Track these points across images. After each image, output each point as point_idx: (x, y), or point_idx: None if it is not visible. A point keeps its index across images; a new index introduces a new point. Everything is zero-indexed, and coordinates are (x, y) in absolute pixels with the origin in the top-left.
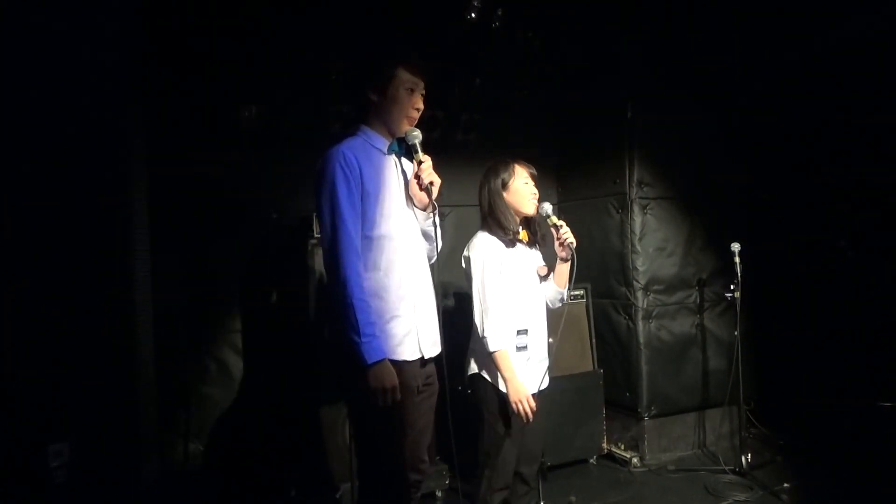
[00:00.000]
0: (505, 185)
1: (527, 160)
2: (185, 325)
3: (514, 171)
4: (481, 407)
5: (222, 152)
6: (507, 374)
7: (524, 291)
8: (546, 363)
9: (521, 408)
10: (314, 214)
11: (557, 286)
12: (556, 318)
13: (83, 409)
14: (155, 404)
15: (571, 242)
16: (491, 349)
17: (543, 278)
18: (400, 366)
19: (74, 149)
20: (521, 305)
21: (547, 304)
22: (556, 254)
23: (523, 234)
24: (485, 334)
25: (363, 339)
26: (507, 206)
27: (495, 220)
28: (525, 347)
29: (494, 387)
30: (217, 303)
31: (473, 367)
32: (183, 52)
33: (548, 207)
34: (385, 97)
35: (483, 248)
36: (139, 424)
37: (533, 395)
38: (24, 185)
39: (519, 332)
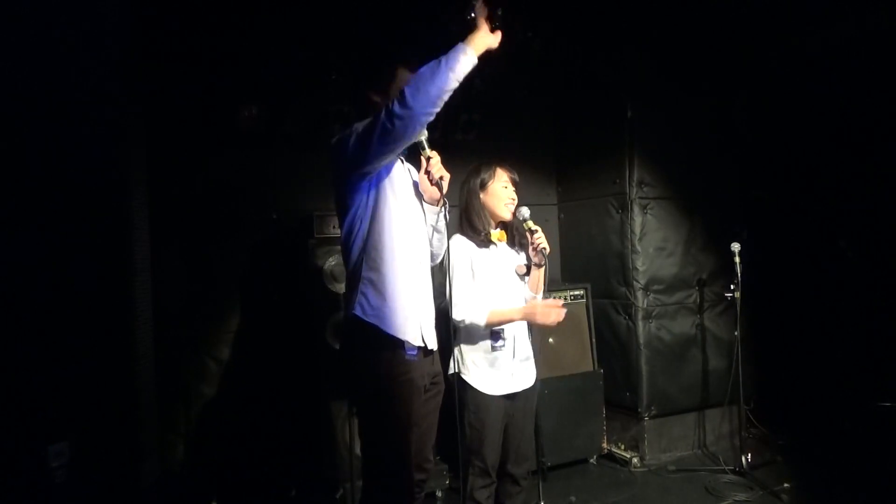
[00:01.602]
0: (483, 186)
1: (527, 160)
2: (185, 324)
3: (494, 173)
4: (461, 407)
5: (222, 152)
6: (511, 315)
7: (499, 291)
8: (530, 362)
9: (549, 319)
10: (314, 214)
11: (531, 291)
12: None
13: (82, 408)
14: (154, 404)
15: (545, 248)
16: (469, 321)
17: (522, 277)
18: (409, 363)
19: (74, 149)
20: (496, 305)
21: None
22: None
23: (500, 235)
24: (462, 316)
25: (443, 60)
26: (481, 206)
27: (468, 220)
28: (501, 347)
29: (472, 387)
30: (217, 303)
31: (452, 368)
32: (183, 52)
33: (525, 212)
34: (388, 97)
35: (454, 250)
36: (138, 424)
37: (516, 394)
38: (24, 185)
39: (493, 332)
